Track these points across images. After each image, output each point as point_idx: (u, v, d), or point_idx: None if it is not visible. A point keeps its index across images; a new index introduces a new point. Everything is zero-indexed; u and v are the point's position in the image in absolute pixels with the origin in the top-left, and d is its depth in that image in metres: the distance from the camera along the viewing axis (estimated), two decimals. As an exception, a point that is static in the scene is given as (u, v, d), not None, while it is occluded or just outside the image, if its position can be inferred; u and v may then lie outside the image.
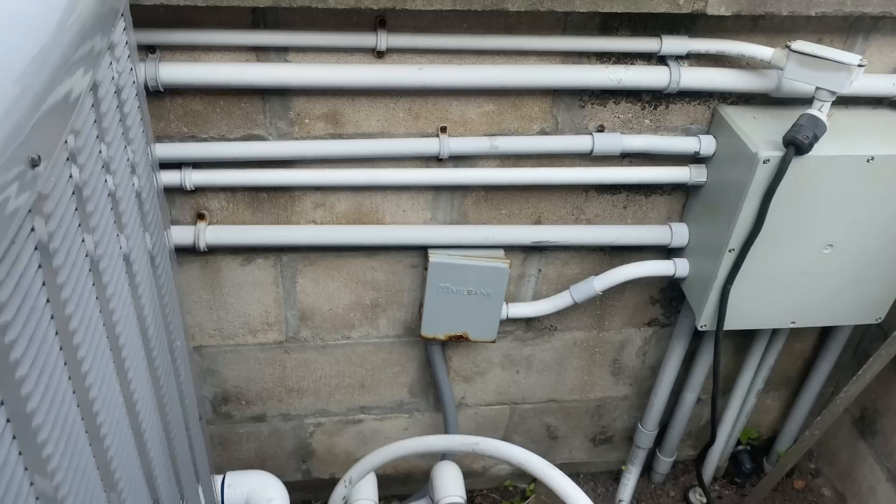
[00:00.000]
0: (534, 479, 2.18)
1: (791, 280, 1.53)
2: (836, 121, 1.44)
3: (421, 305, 1.65)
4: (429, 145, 1.43)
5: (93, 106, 0.69)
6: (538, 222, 1.62)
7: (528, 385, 1.96)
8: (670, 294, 1.82)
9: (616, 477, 2.23)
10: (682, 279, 1.64)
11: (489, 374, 1.91)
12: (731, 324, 1.58)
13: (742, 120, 1.44)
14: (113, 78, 0.76)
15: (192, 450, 1.21)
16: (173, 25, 1.26)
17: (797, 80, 1.32)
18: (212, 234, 1.50)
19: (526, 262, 1.69)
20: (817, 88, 1.31)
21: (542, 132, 1.49)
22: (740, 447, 2.21)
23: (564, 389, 2.00)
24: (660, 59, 1.42)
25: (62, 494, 0.58)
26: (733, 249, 1.45)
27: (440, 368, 1.81)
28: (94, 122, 0.69)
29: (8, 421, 0.50)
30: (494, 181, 1.49)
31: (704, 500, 2.12)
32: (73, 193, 0.63)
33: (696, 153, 1.49)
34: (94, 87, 0.68)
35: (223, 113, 1.38)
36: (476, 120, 1.45)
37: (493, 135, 1.47)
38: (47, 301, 0.56)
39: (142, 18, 1.24)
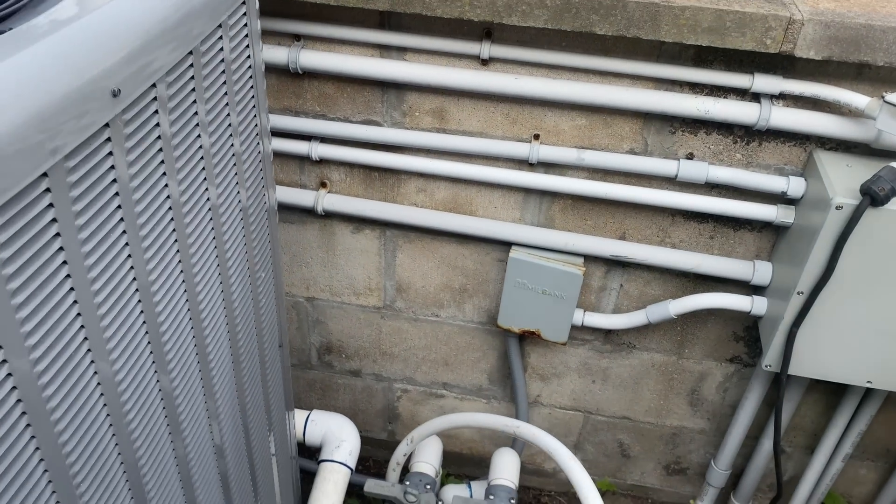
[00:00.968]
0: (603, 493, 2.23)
1: (867, 336, 1.48)
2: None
3: (501, 297, 1.80)
4: (520, 149, 1.58)
5: (192, 77, 0.91)
6: (622, 238, 1.70)
7: (603, 397, 2.03)
8: (755, 334, 1.81)
9: (686, 511, 2.21)
10: (760, 317, 1.64)
11: (566, 377, 2.00)
12: (796, 369, 1.56)
13: (833, 166, 1.43)
14: (220, 54, 1.00)
15: (270, 382, 1.44)
16: (316, 19, 1.51)
17: (888, 131, 1.30)
18: (329, 201, 1.74)
19: (608, 275, 1.77)
20: (908, 142, 1.29)
21: (631, 152, 1.58)
22: (826, 513, 2.10)
23: (640, 409, 2.04)
24: (753, 97, 1.45)
25: (176, 392, 0.83)
26: (802, 292, 1.45)
27: (516, 361, 1.93)
28: (193, 89, 0.92)
29: (146, 333, 0.73)
30: (578, 191, 1.59)
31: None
32: (159, 138, 0.85)
33: (784, 193, 1.50)
34: (196, 59, 0.91)
35: (349, 98, 1.61)
36: (568, 132, 1.57)
37: (581, 147, 1.58)
38: (124, 232, 0.78)
39: (292, 11, 1.51)
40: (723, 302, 1.64)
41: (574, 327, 1.86)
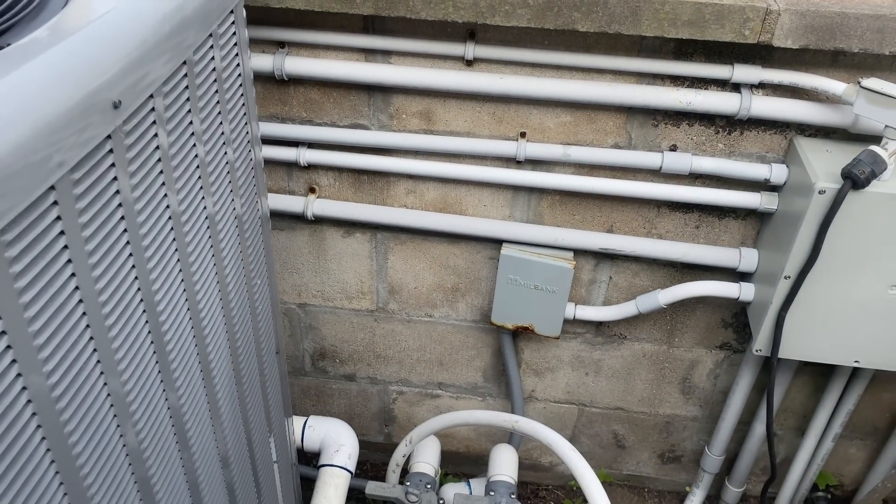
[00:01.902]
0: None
1: (853, 317, 1.52)
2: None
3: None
4: (507, 147, 1.59)
5: (187, 87, 0.92)
6: (610, 231, 1.73)
7: (596, 389, 2.05)
8: (744, 320, 1.84)
9: (682, 498, 2.24)
10: (748, 303, 1.67)
11: (559, 371, 2.02)
12: (786, 352, 1.59)
13: (813, 152, 1.46)
14: (212, 63, 1.00)
15: (269, 389, 1.45)
16: (300, 26, 1.52)
17: (865, 116, 1.34)
18: (319, 206, 1.75)
19: (597, 268, 1.80)
20: (885, 126, 1.32)
21: (616, 146, 1.60)
22: (819, 493, 2.14)
23: (633, 400, 2.06)
24: (734, 87, 1.48)
25: (183, 406, 0.84)
26: (789, 277, 1.48)
27: (510, 357, 1.95)
28: (187, 99, 0.93)
29: (149, 332, 0.74)
30: (565, 187, 1.61)
31: (769, 537, 2.09)
32: (158, 148, 0.86)
33: (767, 180, 1.53)
34: (189, 69, 0.92)
35: (335, 103, 1.62)
36: (553, 129, 1.59)
37: (567, 143, 1.60)
38: (127, 243, 0.79)
39: (276, 19, 1.51)
40: (711, 290, 1.67)
41: (566, 321, 1.88)
